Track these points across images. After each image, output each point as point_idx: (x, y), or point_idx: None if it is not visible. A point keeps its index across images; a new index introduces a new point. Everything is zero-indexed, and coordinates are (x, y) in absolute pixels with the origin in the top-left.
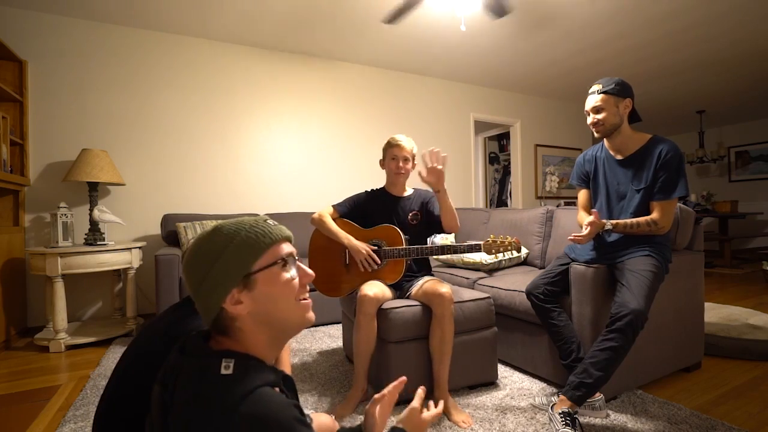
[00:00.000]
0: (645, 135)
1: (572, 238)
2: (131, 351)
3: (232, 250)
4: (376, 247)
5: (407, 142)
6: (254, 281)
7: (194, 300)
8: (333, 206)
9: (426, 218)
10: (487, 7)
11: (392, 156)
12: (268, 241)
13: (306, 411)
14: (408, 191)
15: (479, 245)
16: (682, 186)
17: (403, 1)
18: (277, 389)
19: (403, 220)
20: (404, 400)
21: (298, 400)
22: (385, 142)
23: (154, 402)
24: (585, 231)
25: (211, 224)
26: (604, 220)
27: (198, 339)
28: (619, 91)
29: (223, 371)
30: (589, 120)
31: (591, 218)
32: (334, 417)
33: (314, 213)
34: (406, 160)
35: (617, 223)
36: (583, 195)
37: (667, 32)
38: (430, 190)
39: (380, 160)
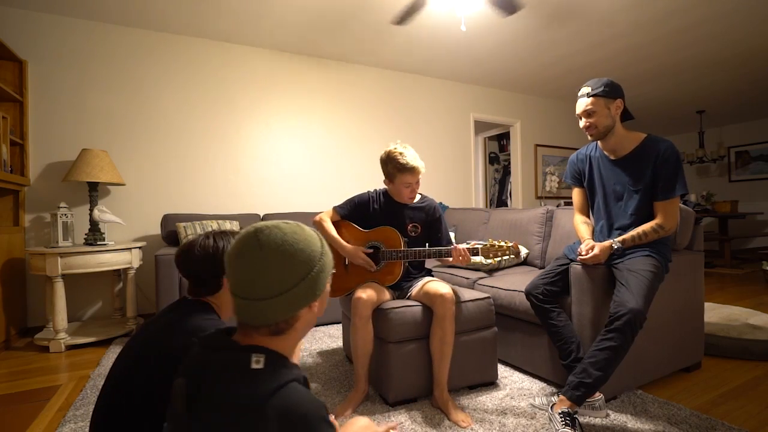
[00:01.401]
0: (639, 134)
1: (582, 259)
2: (130, 350)
3: (327, 261)
4: (373, 250)
5: (419, 163)
6: (324, 291)
7: (262, 300)
8: (334, 208)
9: (425, 234)
10: (497, 4)
11: (406, 183)
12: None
13: None
14: (416, 198)
15: (477, 249)
16: (681, 184)
17: (411, 2)
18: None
19: (403, 228)
20: (405, 399)
21: None
22: (387, 155)
23: (178, 394)
24: (588, 255)
25: (211, 224)
26: (610, 241)
27: (222, 334)
28: (609, 92)
29: (254, 365)
30: (582, 123)
31: (592, 243)
32: (333, 417)
33: (315, 215)
34: (418, 182)
35: (624, 239)
36: (577, 194)
37: (666, 32)
38: (436, 203)
39: (385, 180)
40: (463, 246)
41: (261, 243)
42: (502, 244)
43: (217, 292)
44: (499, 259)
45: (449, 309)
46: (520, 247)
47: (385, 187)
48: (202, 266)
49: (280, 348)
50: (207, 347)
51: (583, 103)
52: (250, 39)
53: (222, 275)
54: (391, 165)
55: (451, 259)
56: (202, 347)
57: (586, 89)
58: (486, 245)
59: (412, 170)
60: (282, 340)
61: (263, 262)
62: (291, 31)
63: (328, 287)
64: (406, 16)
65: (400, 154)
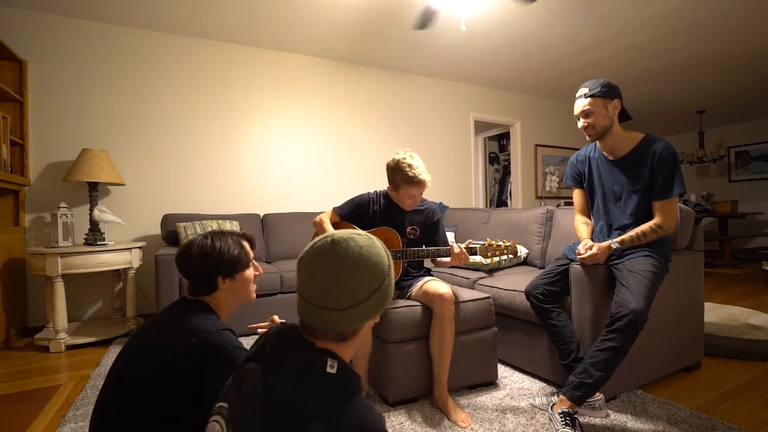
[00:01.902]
0: (637, 134)
1: (580, 258)
2: (130, 350)
3: (392, 272)
4: None
5: (427, 176)
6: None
7: (337, 309)
8: (333, 209)
9: (423, 237)
10: None
11: (410, 195)
12: None
13: None
14: None
15: (475, 249)
16: (678, 183)
17: (426, 7)
18: None
19: (402, 231)
20: (405, 400)
21: None
22: (396, 164)
23: (251, 377)
24: (587, 254)
25: (211, 224)
26: (609, 241)
27: (297, 331)
28: (606, 92)
29: (329, 369)
30: (580, 124)
31: (591, 243)
32: None
33: (315, 216)
34: (422, 193)
35: (623, 240)
36: (578, 195)
37: (666, 32)
38: (436, 205)
39: (389, 187)
40: (459, 245)
41: (341, 257)
42: (500, 243)
43: (214, 292)
44: (497, 258)
45: (448, 309)
46: (520, 247)
47: (386, 189)
48: (199, 266)
49: (344, 354)
50: (284, 339)
51: (580, 104)
52: (250, 39)
53: (218, 275)
54: (399, 175)
55: (448, 259)
56: (279, 338)
57: (583, 90)
58: (484, 245)
59: (420, 184)
60: (345, 345)
61: (341, 275)
62: (290, 31)
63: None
64: (426, 21)
65: (409, 166)
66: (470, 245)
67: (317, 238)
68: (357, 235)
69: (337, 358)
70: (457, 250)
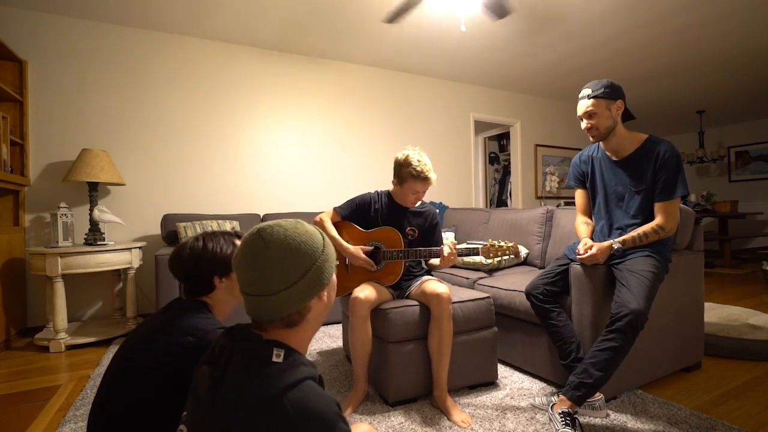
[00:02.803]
0: (640, 135)
1: (580, 257)
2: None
3: (329, 252)
4: (373, 248)
5: (433, 175)
6: (330, 281)
7: (273, 294)
8: (334, 209)
9: (421, 238)
10: (488, 8)
11: (414, 191)
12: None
13: None
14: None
15: (477, 249)
16: (681, 185)
17: (403, 1)
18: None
19: (402, 231)
20: (405, 399)
21: None
22: (405, 158)
23: (202, 379)
24: (586, 255)
25: (211, 224)
26: (610, 241)
27: (247, 328)
28: (609, 93)
29: (275, 359)
30: (583, 125)
31: (590, 242)
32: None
33: (316, 215)
34: (425, 191)
35: (624, 240)
36: (580, 196)
37: (666, 32)
38: (435, 209)
39: (394, 180)
40: (449, 245)
41: (266, 241)
42: (502, 244)
43: (211, 292)
44: (499, 259)
45: (446, 308)
46: (520, 247)
47: (388, 189)
48: (193, 268)
49: (296, 342)
50: (232, 337)
51: (583, 105)
52: (250, 38)
53: (214, 275)
54: (406, 170)
55: (437, 261)
56: (227, 337)
57: (586, 91)
58: (486, 245)
59: (426, 180)
60: (296, 332)
61: (269, 258)
62: (290, 30)
63: (334, 278)
64: (398, 15)
65: (418, 161)
66: (467, 246)
67: (247, 233)
68: (284, 221)
69: (284, 347)
70: (446, 251)
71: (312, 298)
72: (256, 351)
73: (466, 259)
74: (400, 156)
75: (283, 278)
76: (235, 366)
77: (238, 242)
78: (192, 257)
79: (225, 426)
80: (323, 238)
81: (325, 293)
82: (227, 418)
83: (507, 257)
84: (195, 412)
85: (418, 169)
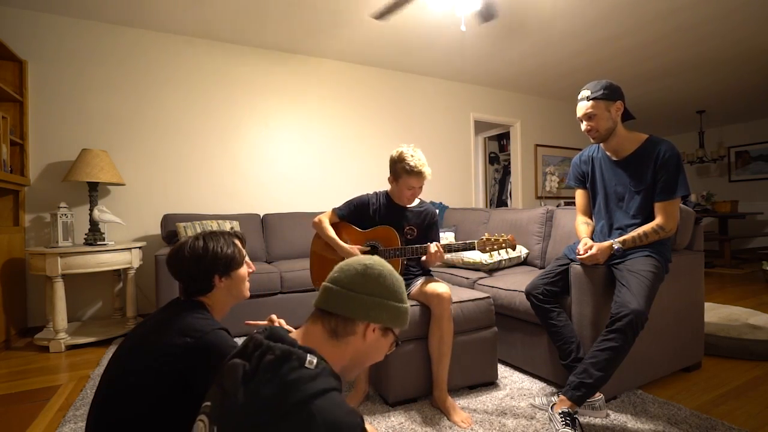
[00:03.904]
0: (641, 135)
1: (580, 257)
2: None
3: (404, 312)
4: (370, 248)
5: (427, 169)
6: (387, 333)
7: (349, 289)
8: (333, 210)
9: (420, 237)
10: (476, 12)
11: (409, 186)
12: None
13: None
14: (414, 202)
15: (473, 243)
16: (682, 185)
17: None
18: None
19: (400, 231)
20: (405, 400)
21: None
22: (399, 155)
23: (231, 372)
24: (586, 255)
25: (211, 224)
26: (610, 242)
27: (284, 331)
28: (609, 95)
29: (307, 364)
30: (583, 127)
31: (590, 242)
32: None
33: (315, 216)
34: (421, 187)
35: (625, 240)
36: (580, 196)
37: (666, 32)
38: (434, 209)
39: (389, 177)
40: (436, 244)
41: (382, 272)
42: (498, 237)
43: (210, 291)
44: (497, 253)
45: (446, 308)
46: (520, 247)
47: (386, 189)
48: (194, 268)
49: (331, 356)
50: (268, 336)
51: (583, 107)
52: (249, 39)
53: (213, 275)
54: (401, 165)
55: (423, 258)
56: (263, 335)
57: (585, 92)
58: (482, 239)
59: (419, 175)
60: (335, 346)
61: (375, 273)
62: (290, 30)
63: (388, 341)
64: (387, 12)
65: (411, 156)
66: (463, 241)
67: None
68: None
69: (317, 356)
70: (433, 249)
71: (369, 320)
72: (291, 353)
73: (466, 258)
74: (395, 153)
75: (365, 285)
76: (268, 365)
77: (238, 242)
78: (193, 257)
79: (251, 423)
80: (406, 303)
81: (375, 330)
82: (254, 415)
83: (505, 252)
84: (221, 405)
85: (412, 163)
